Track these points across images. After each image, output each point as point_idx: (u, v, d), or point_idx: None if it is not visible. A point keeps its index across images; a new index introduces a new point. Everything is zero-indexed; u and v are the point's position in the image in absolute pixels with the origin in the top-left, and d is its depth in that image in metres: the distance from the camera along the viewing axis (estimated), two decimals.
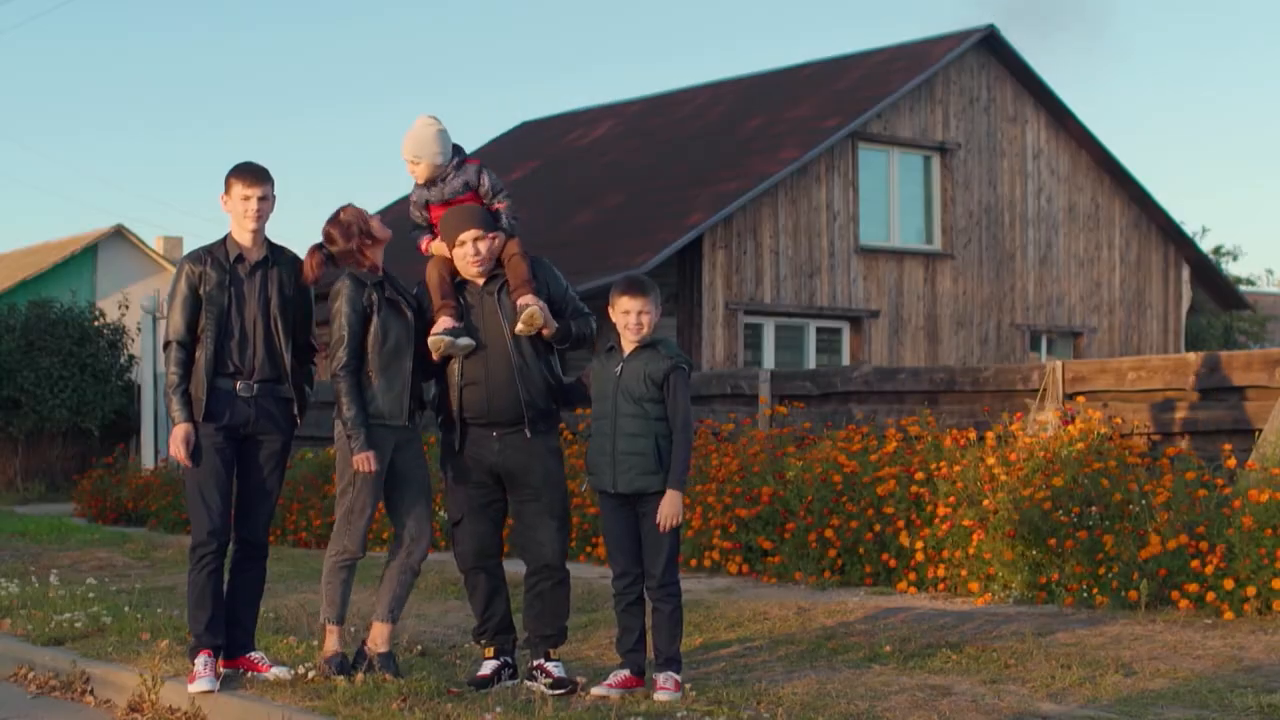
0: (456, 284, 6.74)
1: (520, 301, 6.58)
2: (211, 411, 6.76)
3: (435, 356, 6.62)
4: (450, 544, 7.01)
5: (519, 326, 6.56)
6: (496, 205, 6.87)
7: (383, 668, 6.73)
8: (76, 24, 73.50)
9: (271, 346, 6.84)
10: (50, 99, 77.46)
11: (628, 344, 6.60)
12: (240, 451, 6.87)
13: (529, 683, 6.61)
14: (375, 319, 6.65)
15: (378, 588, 6.92)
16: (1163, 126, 75.66)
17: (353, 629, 7.48)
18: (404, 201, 29.07)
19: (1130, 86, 72.12)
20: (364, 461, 6.55)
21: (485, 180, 6.88)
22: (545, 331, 6.61)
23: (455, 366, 6.66)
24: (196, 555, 6.80)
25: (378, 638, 6.83)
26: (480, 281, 6.71)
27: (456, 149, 6.93)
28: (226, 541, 6.86)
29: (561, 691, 6.42)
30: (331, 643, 6.85)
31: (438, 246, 6.80)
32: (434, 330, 6.61)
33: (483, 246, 6.64)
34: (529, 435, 6.64)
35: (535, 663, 6.66)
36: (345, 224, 6.76)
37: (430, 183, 6.88)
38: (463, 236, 6.63)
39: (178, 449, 6.75)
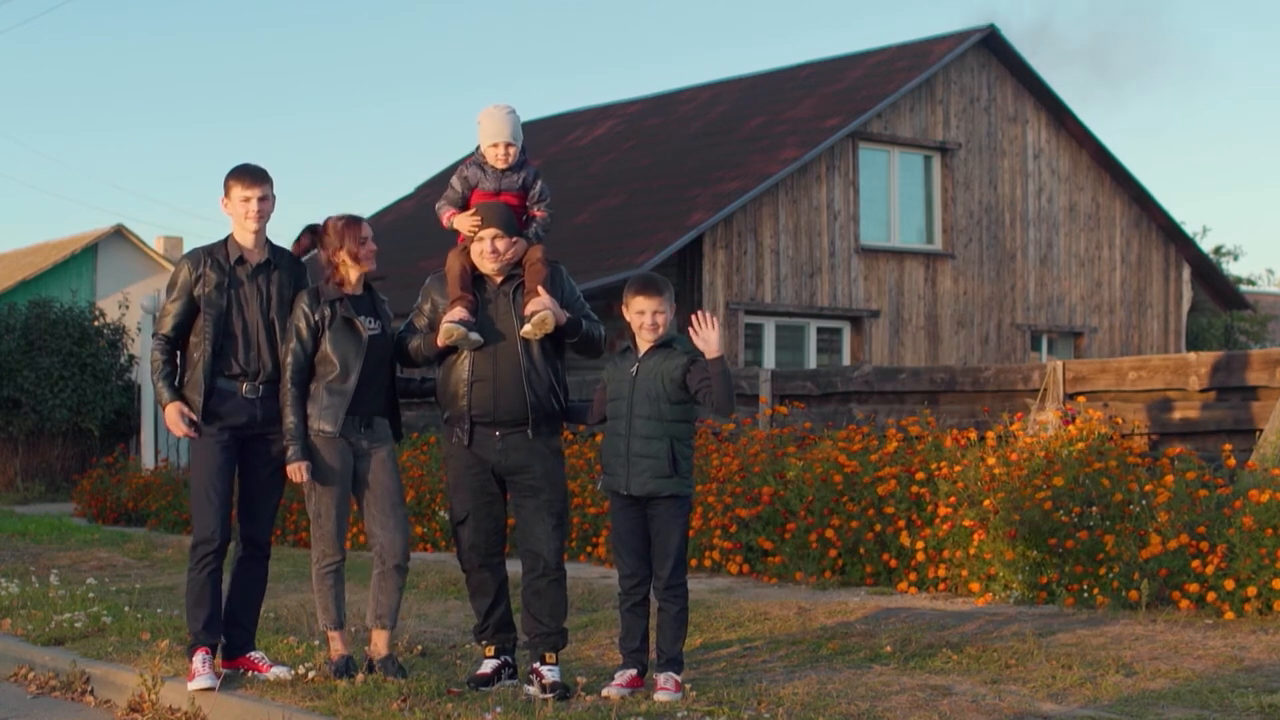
0: (475, 278, 6.77)
1: (531, 306, 6.59)
2: (214, 412, 6.77)
3: (441, 343, 6.64)
4: (454, 543, 7.02)
5: (526, 329, 6.58)
6: (536, 211, 6.94)
7: (384, 671, 6.73)
8: (76, 24, 73.52)
9: (274, 348, 6.86)
10: (50, 99, 77.47)
11: (643, 344, 6.61)
12: (243, 451, 6.90)
13: (526, 686, 6.61)
14: (326, 335, 6.73)
15: (368, 595, 6.94)
16: (1163, 126, 75.65)
17: (353, 629, 7.47)
18: (401, 204, 28.96)
19: (1129, 86, 72.06)
20: (296, 472, 6.71)
21: (538, 185, 6.99)
22: (558, 320, 6.60)
23: (465, 362, 6.67)
24: (198, 554, 6.82)
25: (375, 644, 6.87)
26: (498, 280, 6.75)
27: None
28: (228, 540, 6.88)
29: (554, 695, 6.41)
30: (336, 647, 6.87)
31: (460, 221, 6.80)
32: (446, 317, 6.63)
33: (501, 245, 6.67)
34: (531, 435, 6.66)
35: (532, 666, 6.66)
36: (325, 237, 6.85)
37: (496, 169, 6.90)
38: (483, 233, 6.67)
39: (176, 425, 6.76)
